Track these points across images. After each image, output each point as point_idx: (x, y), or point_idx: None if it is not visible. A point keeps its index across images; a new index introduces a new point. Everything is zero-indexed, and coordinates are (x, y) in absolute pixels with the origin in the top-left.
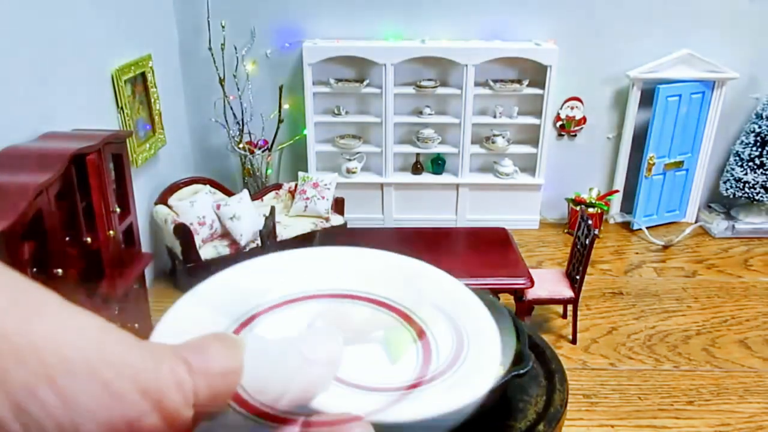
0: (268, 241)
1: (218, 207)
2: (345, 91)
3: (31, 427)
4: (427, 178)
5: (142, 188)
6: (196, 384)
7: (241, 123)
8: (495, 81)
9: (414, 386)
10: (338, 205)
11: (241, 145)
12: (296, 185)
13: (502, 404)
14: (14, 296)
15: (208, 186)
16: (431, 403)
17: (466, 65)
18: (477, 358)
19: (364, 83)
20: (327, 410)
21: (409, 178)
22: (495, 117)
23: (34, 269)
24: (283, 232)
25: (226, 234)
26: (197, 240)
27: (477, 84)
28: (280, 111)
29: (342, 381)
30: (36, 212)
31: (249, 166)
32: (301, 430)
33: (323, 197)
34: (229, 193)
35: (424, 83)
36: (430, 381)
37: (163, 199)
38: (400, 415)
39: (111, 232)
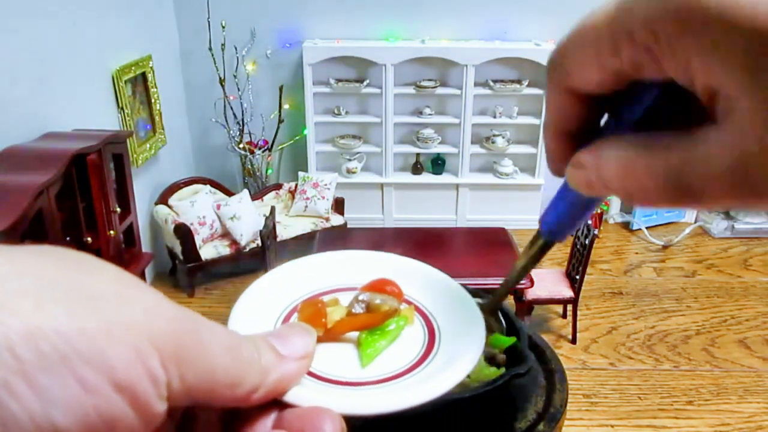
0: (268, 241)
1: (218, 207)
2: (345, 91)
3: (8, 420)
4: (427, 178)
5: (143, 188)
6: (170, 377)
7: (241, 123)
8: (495, 81)
9: (387, 379)
10: (338, 205)
11: (241, 145)
12: (296, 185)
13: (502, 404)
14: None
15: (208, 186)
16: (402, 396)
17: (466, 65)
18: (449, 352)
19: (364, 83)
20: (299, 404)
21: (409, 178)
22: (495, 117)
23: None
24: (284, 232)
25: (226, 234)
26: (197, 240)
27: (477, 84)
28: (280, 111)
29: (316, 376)
30: (36, 212)
31: (249, 166)
32: (273, 423)
33: (323, 197)
34: (229, 193)
35: (424, 83)
36: (403, 375)
37: (163, 199)
38: (371, 408)
39: (111, 232)
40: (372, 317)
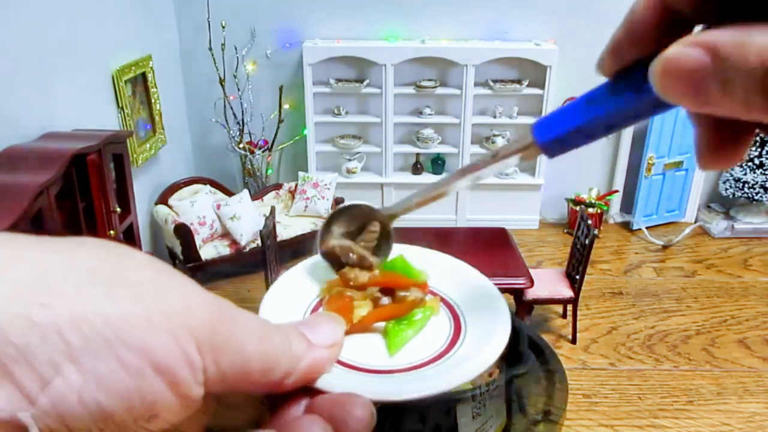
0: (268, 240)
1: (218, 207)
2: (345, 91)
3: (57, 401)
4: (427, 178)
5: (143, 188)
6: (206, 363)
7: (241, 123)
8: (495, 81)
9: (415, 367)
10: (338, 205)
11: (241, 145)
12: (296, 185)
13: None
14: (38, 272)
15: (208, 186)
16: (431, 383)
17: (466, 65)
18: (475, 341)
19: (364, 83)
20: (330, 390)
21: (409, 178)
22: (495, 117)
23: None
24: (283, 232)
25: (226, 234)
26: (197, 240)
27: (477, 84)
28: (280, 111)
29: (345, 364)
30: (36, 212)
31: (249, 166)
32: (305, 408)
33: (323, 197)
34: (229, 193)
35: (424, 83)
36: (431, 362)
37: (163, 199)
38: (401, 394)
39: (111, 232)
40: (398, 308)
